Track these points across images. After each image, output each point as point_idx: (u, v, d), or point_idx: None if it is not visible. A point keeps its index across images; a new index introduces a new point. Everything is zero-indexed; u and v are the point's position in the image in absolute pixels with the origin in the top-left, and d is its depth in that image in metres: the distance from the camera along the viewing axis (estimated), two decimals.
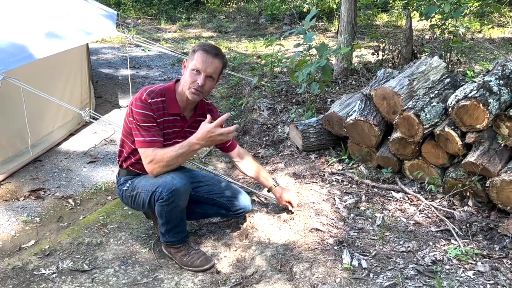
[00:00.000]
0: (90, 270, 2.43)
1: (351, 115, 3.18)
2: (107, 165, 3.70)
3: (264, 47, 5.74)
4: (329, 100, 4.33)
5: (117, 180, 2.56)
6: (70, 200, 3.17)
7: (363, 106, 3.18)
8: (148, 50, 7.92)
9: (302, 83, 4.01)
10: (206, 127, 2.18)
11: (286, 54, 5.40)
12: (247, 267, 2.43)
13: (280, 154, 3.58)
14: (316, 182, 3.08)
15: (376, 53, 5.22)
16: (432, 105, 2.87)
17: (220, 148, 2.65)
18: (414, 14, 7.16)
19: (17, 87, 3.04)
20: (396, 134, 2.99)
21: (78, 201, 3.18)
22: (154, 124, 2.27)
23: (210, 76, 2.27)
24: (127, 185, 2.47)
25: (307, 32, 3.89)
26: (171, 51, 5.85)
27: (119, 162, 2.53)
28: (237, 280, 2.35)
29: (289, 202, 2.68)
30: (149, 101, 2.25)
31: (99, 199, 3.24)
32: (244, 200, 2.60)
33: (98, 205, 3.15)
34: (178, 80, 2.38)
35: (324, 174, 3.17)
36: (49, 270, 2.42)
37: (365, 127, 3.10)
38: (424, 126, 2.80)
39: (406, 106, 2.92)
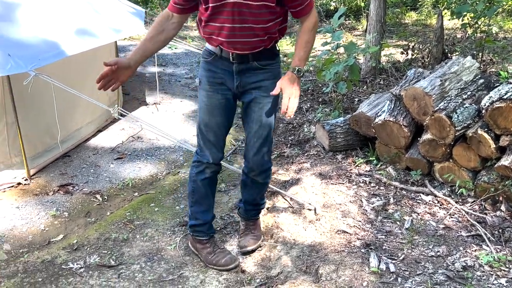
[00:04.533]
0: (116, 266, 2.46)
1: (380, 115, 3.12)
2: (134, 162, 3.74)
3: (291, 45, 5.70)
4: (356, 99, 4.27)
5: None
6: (98, 196, 3.22)
7: (392, 106, 3.11)
8: (175, 48, 7.98)
9: (329, 82, 3.97)
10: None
11: (312, 52, 5.35)
12: (272, 267, 2.42)
13: (306, 154, 3.55)
14: (343, 183, 3.04)
15: (405, 52, 5.13)
16: (464, 106, 2.79)
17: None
18: (445, 13, 6.99)
19: (48, 83, 3.09)
20: (426, 136, 2.92)
21: (106, 197, 3.22)
22: None
23: None
24: None
25: (335, 30, 3.84)
26: (198, 49, 5.87)
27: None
28: (262, 280, 2.34)
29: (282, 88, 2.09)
30: None
31: (126, 195, 3.27)
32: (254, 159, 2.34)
33: (125, 201, 3.19)
34: None
35: (351, 175, 3.12)
36: (77, 264, 2.46)
37: (394, 128, 3.04)
38: (456, 128, 2.72)
39: (437, 107, 2.84)
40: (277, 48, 2.24)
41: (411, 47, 5.07)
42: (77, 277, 2.37)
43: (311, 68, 5.47)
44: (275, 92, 2.06)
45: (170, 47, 7.97)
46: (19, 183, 3.27)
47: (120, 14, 4.35)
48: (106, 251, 2.57)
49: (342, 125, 3.41)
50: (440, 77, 3.00)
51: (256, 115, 2.23)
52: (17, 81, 3.12)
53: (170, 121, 4.60)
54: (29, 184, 3.28)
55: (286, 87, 2.06)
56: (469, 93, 2.92)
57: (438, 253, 2.35)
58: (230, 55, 2.14)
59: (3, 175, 3.23)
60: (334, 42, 3.83)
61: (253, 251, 2.54)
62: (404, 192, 2.94)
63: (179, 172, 3.56)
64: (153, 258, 2.53)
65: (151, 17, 9.93)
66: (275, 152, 3.73)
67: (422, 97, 2.92)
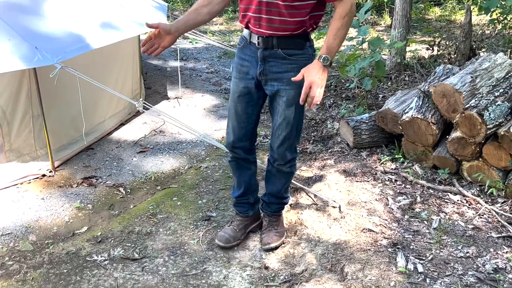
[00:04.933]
0: (140, 259, 2.46)
1: (407, 112, 3.05)
2: (157, 155, 3.74)
3: (315, 40, 5.64)
4: (380, 95, 4.20)
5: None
6: (121, 189, 3.23)
7: (420, 103, 3.04)
8: (196, 43, 7.98)
9: (354, 78, 3.90)
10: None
11: None
12: (296, 264, 2.39)
13: (329, 151, 3.50)
14: (368, 181, 2.98)
15: (431, 48, 5.02)
16: (496, 104, 2.70)
17: None
18: (473, 8, 6.83)
19: (72, 76, 3.11)
20: (455, 134, 2.84)
21: (129, 190, 3.23)
22: None
23: None
24: None
25: (361, 25, 3.77)
26: (219, 43, 5.86)
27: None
28: (286, 277, 2.31)
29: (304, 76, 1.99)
30: None
31: (148, 188, 3.27)
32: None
33: (147, 195, 3.19)
34: None
35: (376, 173, 3.06)
36: (101, 256, 2.47)
37: (422, 125, 2.97)
38: (488, 126, 2.65)
39: (468, 105, 2.77)
40: (309, 40, 2.13)
41: (437, 43, 4.95)
42: (101, 269, 2.37)
43: (334, 64, 5.39)
44: (296, 78, 1.97)
45: (191, 41, 7.98)
46: (43, 175, 3.30)
47: (144, 8, 4.36)
48: (129, 244, 2.58)
49: (367, 121, 3.35)
50: (471, 73, 2.92)
51: (280, 108, 2.19)
52: (43, 74, 3.15)
53: (192, 116, 4.59)
54: (53, 176, 3.31)
55: (309, 74, 1.93)
56: (501, 90, 2.83)
57: (468, 254, 2.29)
58: (256, 39, 2.11)
59: (28, 166, 3.26)
60: (359, 37, 3.76)
61: (276, 247, 2.52)
62: (431, 191, 2.88)
63: (201, 166, 3.55)
64: (176, 252, 2.52)
65: (172, 11, 9.96)
66: (298, 148, 3.69)
67: (452, 94, 2.85)
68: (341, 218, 2.63)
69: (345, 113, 3.89)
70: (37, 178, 3.27)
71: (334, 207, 2.73)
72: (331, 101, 4.27)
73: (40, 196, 3.07)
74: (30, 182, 3.22)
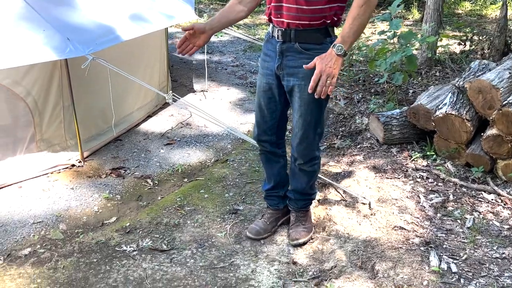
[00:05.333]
0: (168, 250, 2.47)
1: (440, 108, 2.97)
2: (183, 148, 3.75)
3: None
4: (410, 91, 4.11)
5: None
6: (149, 180, 3.24)
7: (454, 99, 2.96)
8: (221, 36, 7.97)
9: (384, 73, 3.83)
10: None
11: (366, 40, 5.19)
12: (325, 260, 2.36)
13: (358, 146, 3.45)
14: (399, 178, 2.92)
15: (463, 43, 4.89)
16: None
17: None
18: (509, 2, 6.63)
19: (102, 68, 3.12)
20: (491, 131, 2.75)
21: (156, 181, 3.25)
22: None
23: None
24: None
25: (392, 18, 3.69)
26: (245, 36, 5.83)
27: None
28: (315, 273, 2.28)
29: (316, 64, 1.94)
30: None
31: (175, 180, 3.28)
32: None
33: (174, 187, 3.20)
34: None
35: (407, 170, 3.00)
36: (130, 247, 2.49)
37: (456, 121, 2.89)
38: None
39: (505, 101, 2.68)
40: (330, 35, 2.05)
41: (469, 37, 4.82)
42: (130, 259, 2.39)
43: (361, 58, 5.31)
44: (308, 66, 1.91)
45: (216, 35, 7.97)
46: (73, 165, 3.34)
47: (172, 1, 4.36)
48: (158, 235, 2.59)
49: (398, 117, 3.28)
50: (509, 69, 2.83)
51: (297, 105, 2.15)
52: (74, 65, 3.18)
53: (218, 109, 4.59)
54: (82, 166, 3.35)
55: (319, 62, 1.88)
56: None
57: (504, 255, 2.22)
58: (276, 32, 2.10)
59: (58, 156, 3.30)
60: (391, 31, 3.68)
61: (304, 243, 2.49)
62: (464, 190, 2.80)
63: (227, 160, 3.55)
64: (204, 245, 2.52)
65: (197, 4, 9.97)
66: (325, 143, 3.65)
67: (488, 90, 2.76)
68: (371, 215, 2.58)
69: (375, 108, 3.82)
70: (67, 168, 3.31)
71: (363, 203, 2.69)
72: (360, 96, 4.20)
73: (70, 186, 3.11)
74: (60, 172, 3.27)
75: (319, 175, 2.89)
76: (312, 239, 2.53)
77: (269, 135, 2.36)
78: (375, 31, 6.91)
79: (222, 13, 2.18)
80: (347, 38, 1.90)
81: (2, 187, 3.02)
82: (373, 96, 4.12)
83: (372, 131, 3.46)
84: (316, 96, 1.92)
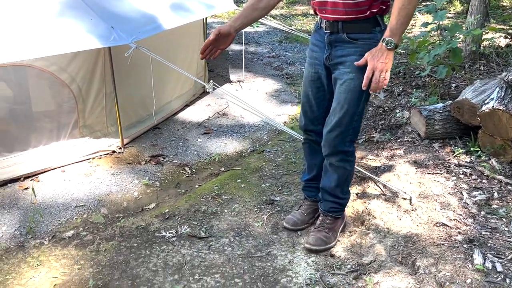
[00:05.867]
0: (206, 238, 2.49)
1: (487, 103, 2.87)
2: (220, 138, 3.78)
3: None
4: (453, 85, 3.99)
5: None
6: (187, 168, 3.28)
7: (502, 94, 2.85)
8: (257, 26, 7.97)
9: (426, 66, 3.72)
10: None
11: (407, 32, 5.06)
12: (364, 254, 2.33)
13: (398, 140, 3.38)
14: (441, 174, 2.85)
15: (509, 37, 4.70)
16: None
17: None
18: None
19: (143, 56, 3.17)
20: None
21: (194, 170, 3.28)
22: None
23: None
24: None
25: (437, 10, 3.57)
26: (282, 26, 5.80)
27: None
28: (353, 267, 2.26)
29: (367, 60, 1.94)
30: None
31: (212, 169, 3.31)
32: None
33: (211, 176, 3.23)
34: None
35: (449, 166, 2.92)
36: (169, 233, 2.53)
37: (503, 117, 2.78)
38: None
39: None
40: (379, 25, 2.01)
41: None
42: (169, 245, 2.43)
43: (401, 51, 5.19)
44: (359, 63, 1.93)
45: (251, 25, 7.97)
46: (113, 151, 3.42)
47: None
48: (196, 223, 2.62)
49: (441, 111, 3.19)
50: None
51: (336, 92, 2.11)
52: (116, 53, 3.24)
53: (254, 100, 4.59)
54: (122, 152, 3.42)
55: (371, 59, 1.89)
56: None
57: None
58: (324, 24, 2.07)
59: (100, 142, 3.38)
60: (436, 23, 3.57)
61: (317, 252, 2.36)
62: (510, 188, 2.70)
63: (263, 150, 3.55)
64: (241, 234, 2.53)
65: None
66: (364, 136, 3.59)
67: None
68: (412, 210, 2.53)
69: (416, 102, 3.73)
70: (108, 154, 3.39)
71: (404, 198, 2.64)
72: (400, 89, 4.10)
73: (111, 172, 3.19)
74: (101, 158, 3.35)
75: (357, 168, 2.83)
76: (330, 249, 2.36)
77: (315, 125, 2.33)
78: (414, 23, 6.73)
79: (245, 13, 2.13)
80: (395, 30, 1.87)
81: (47, 171, 3.12)
82: (414, 90, 4.02)
83: (414, 125, 3.38)
84: (370, 92, 1.91)
